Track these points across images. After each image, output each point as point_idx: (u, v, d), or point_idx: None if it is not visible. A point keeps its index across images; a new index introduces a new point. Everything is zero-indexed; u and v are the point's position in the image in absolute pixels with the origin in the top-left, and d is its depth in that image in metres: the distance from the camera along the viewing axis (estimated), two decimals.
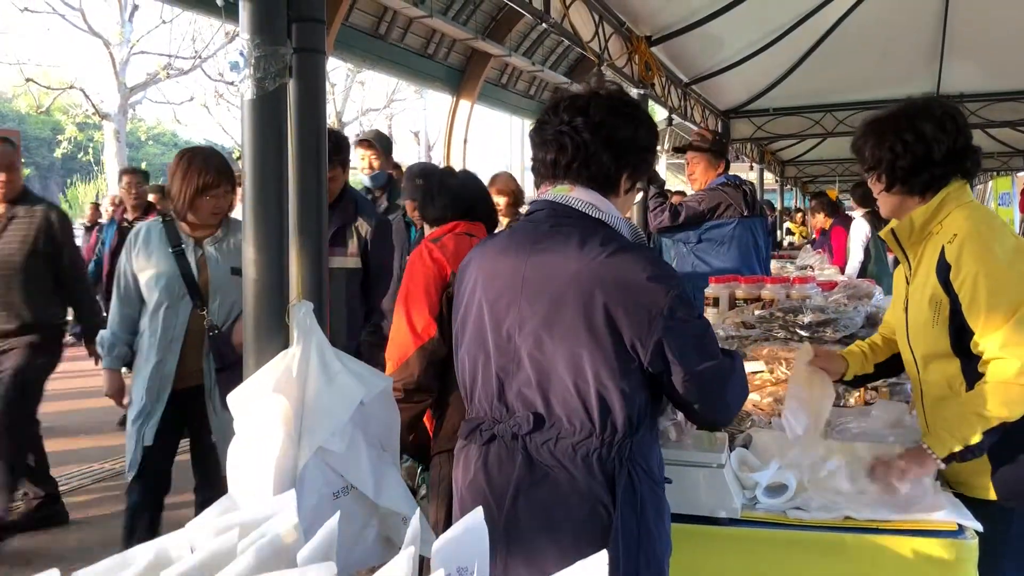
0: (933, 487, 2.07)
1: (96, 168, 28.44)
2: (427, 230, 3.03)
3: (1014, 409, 1.98)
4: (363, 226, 3.87)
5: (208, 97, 22.89)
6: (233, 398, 1.64)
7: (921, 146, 2.12)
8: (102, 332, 3.48)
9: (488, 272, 1.84)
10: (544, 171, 1.84)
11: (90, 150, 26.41)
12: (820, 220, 9.19)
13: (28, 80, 20.52)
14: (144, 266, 3.37)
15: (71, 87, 20.73)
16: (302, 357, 1.71)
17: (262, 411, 1.60)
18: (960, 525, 1.93)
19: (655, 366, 1.68)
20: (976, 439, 1.99)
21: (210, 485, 3.39)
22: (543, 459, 1.72)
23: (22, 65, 21.84)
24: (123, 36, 19.06)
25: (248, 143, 1.76)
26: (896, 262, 2.44)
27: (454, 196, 2.88)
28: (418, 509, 1.37)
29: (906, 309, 2.25)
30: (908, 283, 2.26)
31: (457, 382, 1.96)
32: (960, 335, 2.08)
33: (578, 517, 1.70)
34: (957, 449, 2.01)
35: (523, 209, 5.47)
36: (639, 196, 5.29)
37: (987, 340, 2.00)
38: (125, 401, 3.51)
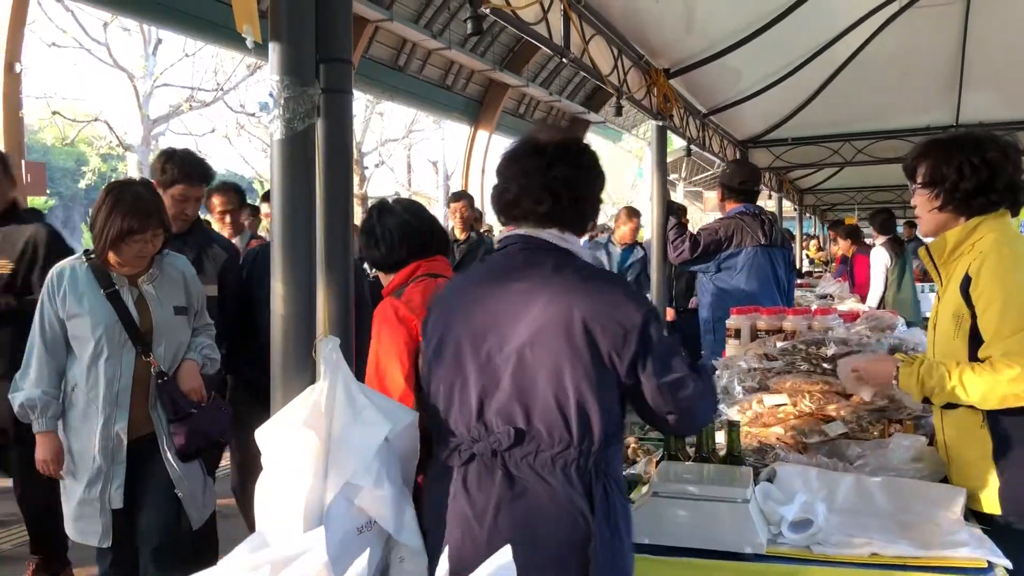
0: (960, 523, 2.06)
1: None
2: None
3: (988, 403, 2.14)
4: (218, 253, 3.81)
5: (229, 129, 23.23)
6: (262, 433, 1.66)
7: (986, 171, 2.25)
8: (24, 393, 3.00)
9: (466, 303, 1.93)
10: (513, 212, 1.96)
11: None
12: (843, 247, 9.17)
13: (54, 113, 20.93)
14: (75, 312, 2.99)
15: (95, 119, 21.10)
16: (329, 392, 1.73)
17: (291, 446, 1.61)
18: (990, 562, 1.90)
19: (630, 378, 1.81)
20: (937, 401, 2.22)
21: (163, 546, 3.05)
22: (523, 474, 1.80)
23: (48, 98, 22.28)
24: (147, 69, 19.40)
25: (277, 181, 1.79)
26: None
27: (404, 233, 2.58)
28: (444, 559, 1.37)
29: (935, 327, 2.30)
30: (939, 301, 2.35)
31: (426, 416, 1.97)
32: (976, 346, 2.19)
33: (559, 528, 1.77)
34: (915, 393, 2.25)
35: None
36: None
37: (994, 346, 2.14)
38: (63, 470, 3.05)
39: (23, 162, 8.58)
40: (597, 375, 1.78)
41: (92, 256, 3.06)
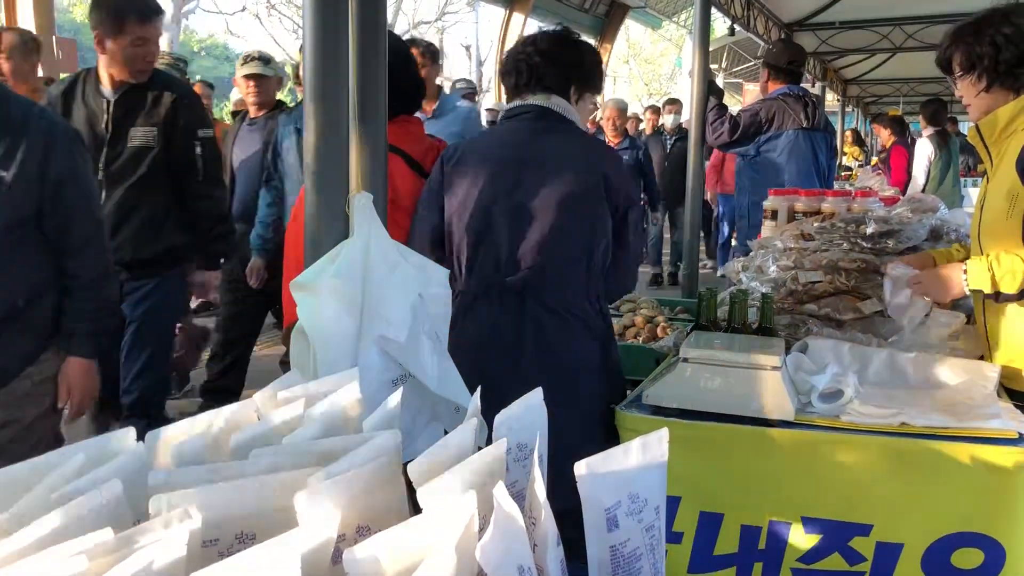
0: (993, 396, 2.05)
1: None
2: None
3: None
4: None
5: (260, 7, 22.78)
6: (295, 284, 1.66)
7: (1022, 39, 2.16)
8: None
9: (492, 161, 2.24)
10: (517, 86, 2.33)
11: None
12: (884, 137, 8.95)
13: None
14: None
15: None
16: (362, 247, 1.72)
17: (324, 295, 1.62)
18: (1021, 433, 1.90)
19: (616, 226, 2.25)
20: (1011, 291, 2.12)
21: None
22: (549, 307, 2.18)
23: None
24: None
25: (309, 28, 1.73)
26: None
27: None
28: (476, 395, 1.39)
29: (981, 208, 2.23)
30: (988, 182, 2.24)
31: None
32: None
33: (577, 351, 2.21)
34: (988, 291, 2.15)
35: None
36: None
37: None
38: None
39: (54, 38, 8.46)
40: (609, 221, 2.22)
41: None
